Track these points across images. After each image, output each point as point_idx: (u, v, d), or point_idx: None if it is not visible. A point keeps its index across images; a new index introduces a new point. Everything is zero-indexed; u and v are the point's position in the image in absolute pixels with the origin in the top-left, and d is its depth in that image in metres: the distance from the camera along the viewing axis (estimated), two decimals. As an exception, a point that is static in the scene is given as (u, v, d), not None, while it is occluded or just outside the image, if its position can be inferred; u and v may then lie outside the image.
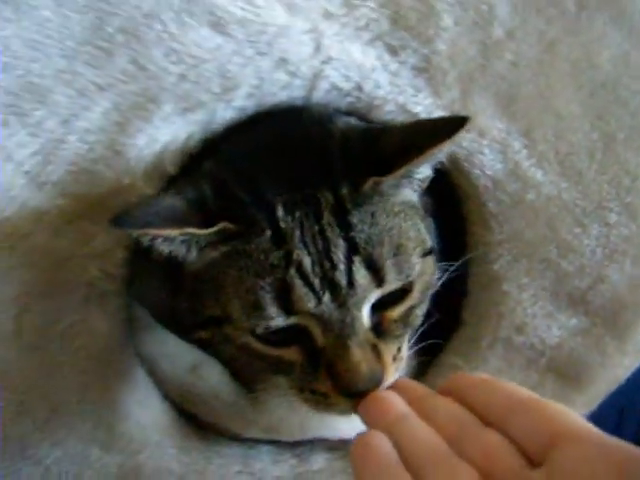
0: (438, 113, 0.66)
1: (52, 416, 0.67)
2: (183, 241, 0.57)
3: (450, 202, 0.71)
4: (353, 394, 0.55)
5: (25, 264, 0.63)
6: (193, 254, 0.59)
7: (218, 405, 0.70)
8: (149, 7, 0.60)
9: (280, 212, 0.57)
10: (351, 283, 0.55)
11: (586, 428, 0.42)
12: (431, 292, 0.63)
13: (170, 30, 0.61)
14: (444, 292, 0.69)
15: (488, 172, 0.67)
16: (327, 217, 0.56)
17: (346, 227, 0.56)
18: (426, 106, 0.66)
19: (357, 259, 0.55)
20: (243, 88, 0.63)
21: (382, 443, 0.46)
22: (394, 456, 0.45)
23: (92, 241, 0.64)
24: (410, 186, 0.61)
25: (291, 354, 0.57)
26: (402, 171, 0.57)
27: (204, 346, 0.65)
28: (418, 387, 0.53)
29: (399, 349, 0.59)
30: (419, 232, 0.61)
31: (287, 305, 0.55)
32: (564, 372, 0.73)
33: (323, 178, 0.58)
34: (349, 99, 0.65)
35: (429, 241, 0.62)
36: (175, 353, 0.70)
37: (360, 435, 0.48)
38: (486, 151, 0.67)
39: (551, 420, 0.42)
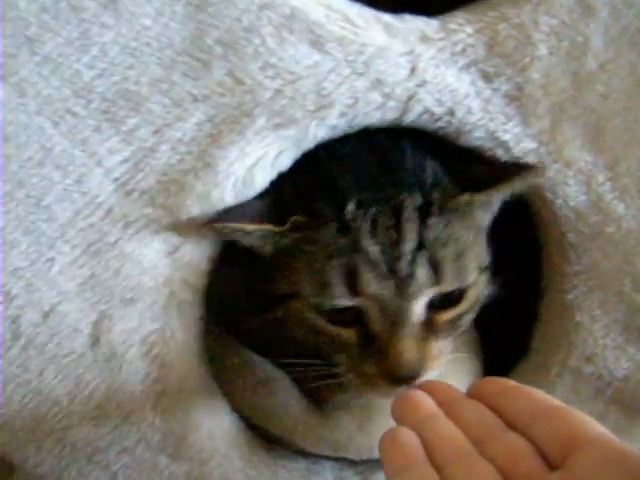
0: (527, 142, 0.65)
1: (123, 423, 0.66)
2: (261, 235, 0.63)
3: (526, 228, 0.71)
4: (395, 379, 0.59)
5: (108, 271, 0.63)
6: (269, 245, 0.64)
7: (287, 420, 0.70)
8: (249, 21, 0.60)
9: (350, 206, 0.61)
10: (412, 276, 0.59)
11: (606, 435, 0.43)
12: (479, 305, 0.67)
13: (269, 45, 0.60)
14: (513, 317, 0.69)
15: (571, 203, 0.67)
16: (407, 214, 0.61)
17: (421, 226, 0.61)
18: (515, 134, 0.65)
19: (422, 255, 0.60)
20: (337, 107, 0.62)
21: (409, 438, 0.48)
22: (420, 451, 0.47)
23: (177, 252, 0.63)
24: (485, 210, 0.67)
25: (348, 335, 0.62)
26: (493, 192, 0.64)
27: (277, 326, 0.66)
28: (450, 390, 0.55)
29: (442, 350, 0.63)
30: (481, 250, 0.66)
31: (352, 287, 0.59)
32: (629, 404, 0.73)
33: (413, 185, 0.63)
34: (440, 123, 0.64)
35: (487, 260, 0.67)
36: (246, 365, 0.70)
37: (389, 430, 0.50)
38: (571, 182, 0.66)
39: (573, 426, 0.44)
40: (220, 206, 0.62)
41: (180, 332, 0.65)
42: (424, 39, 0.63)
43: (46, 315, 0.63)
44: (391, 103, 0.63)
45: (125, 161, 0.61)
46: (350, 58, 0.61)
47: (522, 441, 0.45)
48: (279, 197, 0.64)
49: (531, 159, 0.66)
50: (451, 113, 0.64)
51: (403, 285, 0.59)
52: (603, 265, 0.69)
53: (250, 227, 0.62)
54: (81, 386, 0.65)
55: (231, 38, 0.60)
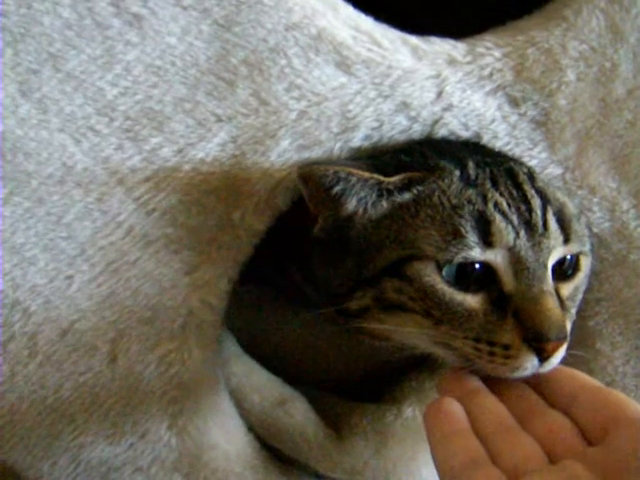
0: (552, 168, 0.63)
1: (139, 442, 0.65)
2: (372, 187, 0.57)
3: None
4: (541, 342, 0.51)
5: (127, 289, 0.61)
6: (382, 203, 0.57)
7: (303, 443, 0.68)
8: (275, 41, 0.58)
9: (470, 164, 0.58)
10: (546, 227, 0.55)
11: None
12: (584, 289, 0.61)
13: (294, 66, 0.58)
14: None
15: (595, 230, 0.65)
16: (522, 177, 0.58)
17: (536, 187, 0.58)
18: (541, 160, 0.63)
19: (550, 210, 0.56)
20: (362, 129, 0.60)
21: (454, 407, 0.49)
22: (465, 421, 0.48)
23: (196, 271, 0.62)
24: None
25: (474, 302, 0.54)
26: None
27: (354, 316, 0.60)
28: None
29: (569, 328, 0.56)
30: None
31: (486, 237, 0.54)
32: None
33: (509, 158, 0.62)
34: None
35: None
36: (264, 386, 0.68)
37: (434, 400, 0.50)
38: (595, 209, 0.64)
39: (613, 406, 0.45)
40: (241, 226, 0.61)
41: (198, 352, 0.64)
42: (451, 62, 0.61)
43: (64, 333, 0.62)
44: (416, 126, 0.61)
45: (147, 180, 0.59)
46: (376, 80, 0.59)
47: (563, 418, 0.46)
48: (379, 164, 0.59)
49: (556, 185, 0.64)
50: (477, 137, 0.62)
51: (538, 237, 0.54)
52: (625, 293, 0.67)
53: (366, 174, 0.56)
54: (97, 404, 0.63)
55: (257, 58, 0.58)
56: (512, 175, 0.59)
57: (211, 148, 0.59)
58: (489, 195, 0.56)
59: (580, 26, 0.61)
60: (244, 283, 0.66)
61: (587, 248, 0.59)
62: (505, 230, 0.54)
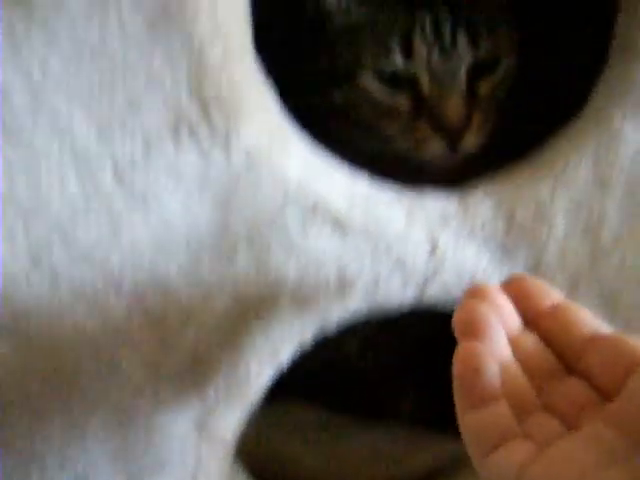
0: (544, 315, 0.65)
1: None
2: None
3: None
4: (445, 128, 0.66)
5: (138, 442, 0.64)
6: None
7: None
8: (273, 213, 0.60)
9: None
10: (454, 41, 0.67)
11: None
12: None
13: (292, 235, 0.60)
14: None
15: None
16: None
17: (454, 6, 0.68)
18: (532, 305, 0.65)
19: (460, 26, 0.68)
20: (359, 290, 0.62)
21: (488, 365, 0.45)
22: (498, 385, 0.45)
23: (205, 425, 0.64)
24: None
25: (401, 99, 0.68)
26: None
27: (332, 111, 0.72)
28: (511, 313, 0.50)
29: (483, 124, 0.69)
30: (509, 21, 0.72)
31: (407, 51, 0.67)
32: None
33: None
34: (459, 295, 0.65)
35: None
36: None
37: (466, 343, 0.46)
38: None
39: (626, 355, 0.43)
40: (245, 382, 0.63)
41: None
42: (444, 217, 0.62)
43: None
44: (411, 284, 0.63)
45: (155, 343, 0.62)
46: (372, 243, 0.61)
47: (579, 384, 0.45)
48: None
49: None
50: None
51: (448, 49, 0.67)
52: None
53: None
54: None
55: (256, 230, 0.60)
56: None
57: (214, 313, 0.61)
58: (418, 17, 0.68)
59: (567, 179, 0.63)
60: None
61: (507, 50, 0.71)
62: (422, 47, 0.67)
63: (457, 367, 0.46)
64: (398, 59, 0.67)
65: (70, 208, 0.58)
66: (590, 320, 0.48)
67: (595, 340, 0.46)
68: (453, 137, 0.67)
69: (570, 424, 0.43)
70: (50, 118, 0.57)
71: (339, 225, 0.60)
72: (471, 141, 0.68)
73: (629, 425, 0.40)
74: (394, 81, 0.68)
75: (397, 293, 0.63)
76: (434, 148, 0.68)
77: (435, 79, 0.67)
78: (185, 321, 0.61)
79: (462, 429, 0.45)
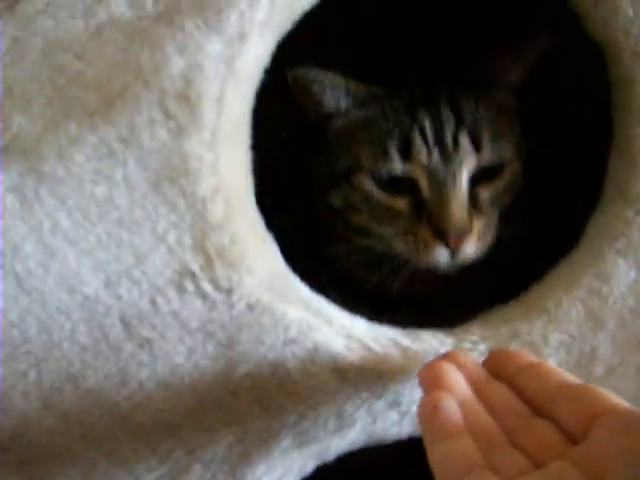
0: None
1: None
2: (347, 92, 0.70)
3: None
4: (445, 234, 0.66)
5: None
6: (349, 103, 0.71)
7: None
8: (275, 356, 0.61)
9: (418, 91, 0.70)
10: (456, 144, 0.67)
11: (625, 406, 0.46)
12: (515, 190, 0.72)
13: (293, 376, 0.62)
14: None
15: None
16: (443, 98, 0.69)
17: (456, 107, 0.69)
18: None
19: (463, 129, 0.67)
20: (357, 426, 0.64)
21: (451, 406, 0.50)
22: (461, 422, 0.49)
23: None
24: (505, 84, 0.73)
25: (400, 203, 0.68)
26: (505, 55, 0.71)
27: (331, 213, 0.74)
28: (477, 367, 0.56)
29: (484, 231, 0.68)
30: (513, 131, 0.72)
31: (406, 154, 0.67)
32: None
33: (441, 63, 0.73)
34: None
35: (521, 149, 0.72)
36: None
37: (429, 396, 0.51)
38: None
39: (592, 402, 0.46)
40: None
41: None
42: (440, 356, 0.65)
43: None
44: (407, 419, 0.65)
45: (161, 477, 0.64)
46: (369, 383, 0.63)
47: (547, 425, 0.48)
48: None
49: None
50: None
51: (449, 154, 0.66)
52: None
53: (338, 79, 0.69)
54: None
55: (258, 372, 0.62)
56: (435, 96, 0.70)
57: (219, 450, 0.63)
58: (418, 116, 0.68)
59: (561, 317, 0.64)
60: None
61: (510, 156, 0.70)
62: (421, 149, 0.66)
63: (419, 409, 0.51)
64: (397, 163, 0.67)
65: (80, 352, 0.61)
66: (560, 373, 0.52)
67: (564, 388, 0.49)
68: (454, 243, 0.66)
69: (536, 462, 0.46)
70: (60, 268, 0.60)
71: (338, 367, 0.62)
72: (472, 248, 0.67)
73: (592, 468, 0.43)
74: (393, 184, 0.68)
75: (394, 428, 0.65)
76: (434, 253, 0.67)
77: (435, 183, 0.66)
78: (191, 456, 0.63)
79: (430, 463, 0.48)
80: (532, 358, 0.56)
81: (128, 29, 0.57)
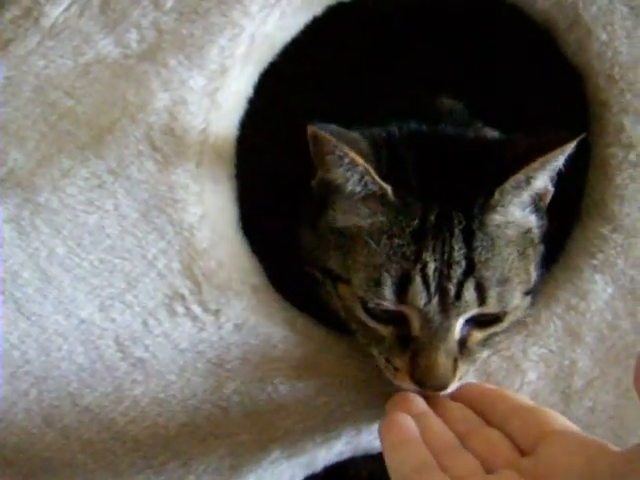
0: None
1: None
2: (361, 177, 0.60)
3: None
4: (422, 386, 0.59)
5: None
6: (359, 189, 0.60)
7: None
8: (261, 372, 0.65)
9: (432, 216, 0.60)
10: (459, 296, 0.58)
11: (571, 428, 0.51)
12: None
13: (280, 390, 0.64)
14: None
15: None
16: (457, 234, 0.59)
17: (470, 248, 0.59)
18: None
19: (470, 279, 0.59)
20: (342, 438, 0.66)
21: (407, 421, 0.55)
22: (416, 432, 0.54)
23: None
24: (529, 204, 0.63)
25: (385, 331, 0.61)
26: (520, 176, 0.59)
27: (311, 281, 0.67)
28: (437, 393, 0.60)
29: (465, 373, 0.62)
30: (528, 272, 0.62)
31: (401, 294, 0.58)
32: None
33: (460, 195, 0.61)
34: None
35: (533, 280, 0.63)
36: None
37: (388, 416, 0.57)
38: None
39: (541, 421, 0.52)
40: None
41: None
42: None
43: None
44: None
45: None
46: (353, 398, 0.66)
47: (498, 434, 0.53)
48: (378, 153, 0.61)
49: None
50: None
51: (449, 304, 0.58)
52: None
53: (359, 161, 0.58)
54: None
55: (246, 388, 0.64)
56: (451, 232, 0.59)
57: (212, 463, 0.67)
58: (423, 255, 0.58)
59: (539, 332, 0.66)
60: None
61: (516, 303, 0.61)
62: (420, 294, 0.58)
63: (379, 428, 0.57)
64: (390, 302, 0.59)
65: (77, 372, 0.64)
66: (518, 397, 0.59)
67: (518, 408, 0.55)
68: (430, 392, 0.60)
69: (486, 465, 0.51)
70: (57, 293, 0.63)
71: (324, 382, 0.65)
72: (448, 390, 0.60)
73: (539, 478, 0.48)
74: (382, 313, 0.60)
75: (378, 441, 0.67)
76: (408, 387, 0.61)
77: (427, 329, 0.59)
78: (185, 468, 0.66)
79: (388, 469, 0.53)
80: (489, 386, 0.61)
81: (115, 67, 0.59)
